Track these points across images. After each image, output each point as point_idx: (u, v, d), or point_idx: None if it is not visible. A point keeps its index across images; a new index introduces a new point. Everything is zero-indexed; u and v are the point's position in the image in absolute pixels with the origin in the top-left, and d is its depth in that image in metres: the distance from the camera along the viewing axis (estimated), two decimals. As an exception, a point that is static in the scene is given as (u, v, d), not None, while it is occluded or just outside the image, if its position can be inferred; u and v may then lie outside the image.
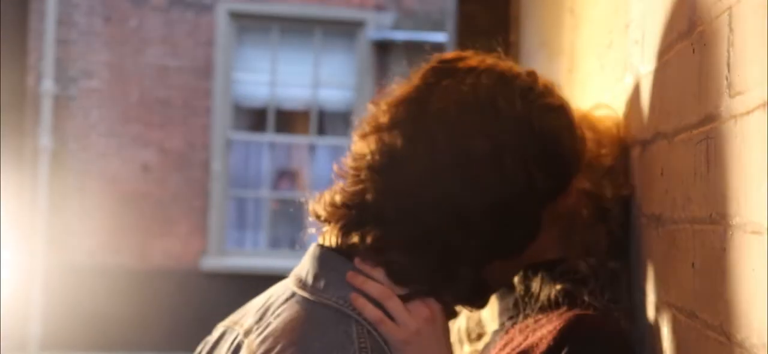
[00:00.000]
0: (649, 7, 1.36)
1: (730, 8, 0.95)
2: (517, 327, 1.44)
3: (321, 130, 9.94)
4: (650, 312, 1.30)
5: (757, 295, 0.84)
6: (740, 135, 0.91)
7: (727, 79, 0.95)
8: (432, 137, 1.18)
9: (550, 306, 1.39)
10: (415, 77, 1.25)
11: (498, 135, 1.17)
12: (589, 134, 1.43)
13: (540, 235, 1.23)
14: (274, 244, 9.79)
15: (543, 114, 1.20)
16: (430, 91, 1.22)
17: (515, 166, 1.16)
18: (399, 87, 1.25)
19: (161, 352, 8.99)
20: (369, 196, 1.20)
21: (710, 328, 0.99)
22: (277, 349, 1.16)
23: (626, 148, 1.48)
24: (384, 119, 1.22)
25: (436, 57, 1.27)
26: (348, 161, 1.24)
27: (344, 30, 9.93)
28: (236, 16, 9.72)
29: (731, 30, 0.95)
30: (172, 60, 9.51)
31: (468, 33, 3.77)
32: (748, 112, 0.88)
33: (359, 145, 1.23)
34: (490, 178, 1.16)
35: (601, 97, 1.59)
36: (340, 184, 1.25)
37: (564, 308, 1.36)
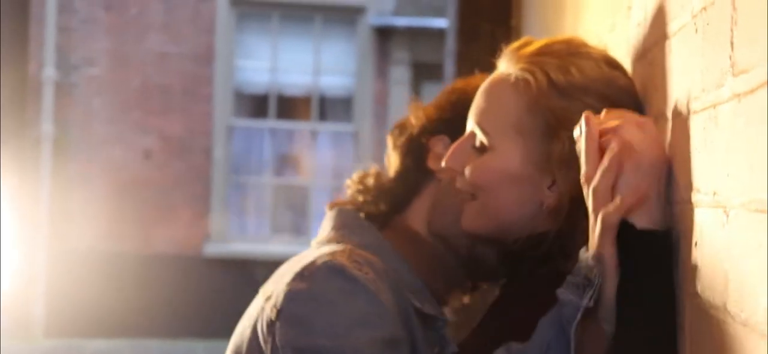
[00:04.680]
0: (652, -13, 1.36)
1: (733, -13, 0.95)
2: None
3: (322, 116, 9.94)
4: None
5: (761, 274, 0.85)
6: (744, 114, 0.91)
7: (730, 58, 0.95)
8: None
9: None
10: None
11: None
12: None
13: None
14: (276, 229, 9.80)
15: None
16: None
17: None
18: None
19: (164, 338, 9.01)
20: None
21: (713, 307, 0.99)
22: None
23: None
24: None
25: None
26: None
27: (345, 16, 9.92)
28: (237, 3, 9.70)
29: (735, 8, 0.94)
30: (173, 47, 9.51)
31: (469, 18, 3.76)
32: (751, 91, 0.88)
33: None
34: None
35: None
36: None
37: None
